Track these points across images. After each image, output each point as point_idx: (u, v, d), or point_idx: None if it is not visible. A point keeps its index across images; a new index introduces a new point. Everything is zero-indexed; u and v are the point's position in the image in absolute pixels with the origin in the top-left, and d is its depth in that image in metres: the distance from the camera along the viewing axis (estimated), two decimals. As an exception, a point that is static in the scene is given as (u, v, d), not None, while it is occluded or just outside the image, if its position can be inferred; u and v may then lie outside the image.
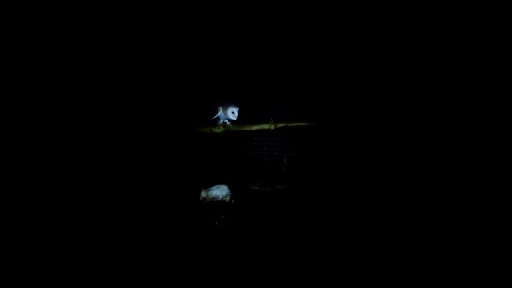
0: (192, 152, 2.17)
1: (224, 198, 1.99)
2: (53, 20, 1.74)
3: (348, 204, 1.88)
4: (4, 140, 1.63)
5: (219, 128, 2.05)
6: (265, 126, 2.05)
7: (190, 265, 1.54)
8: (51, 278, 1.43)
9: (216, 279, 1.45)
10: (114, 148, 1.94)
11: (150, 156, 2.04)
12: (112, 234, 1.68)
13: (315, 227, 1.76)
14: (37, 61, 1.73)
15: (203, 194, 2.00)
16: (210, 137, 2.11)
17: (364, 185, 1.93)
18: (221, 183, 2.05)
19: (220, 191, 2.01)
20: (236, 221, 1.85)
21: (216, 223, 1.82)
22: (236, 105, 1.99)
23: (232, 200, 1.99)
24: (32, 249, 1.54)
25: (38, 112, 1.73)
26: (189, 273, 1.50)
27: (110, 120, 1.93)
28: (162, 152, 2.08)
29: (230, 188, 2.03)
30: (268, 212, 1.91)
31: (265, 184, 2.10)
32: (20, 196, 1.63)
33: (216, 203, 1.97)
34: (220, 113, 1.99)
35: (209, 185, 2.03)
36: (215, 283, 1.44)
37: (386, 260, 1.52)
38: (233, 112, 1.96)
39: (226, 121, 2.05)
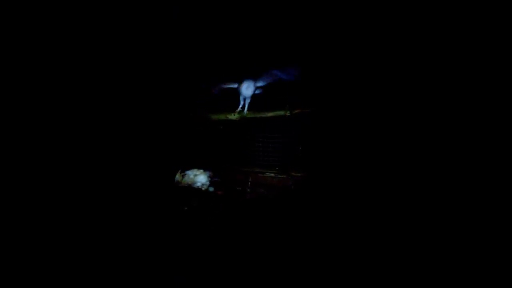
0: (202, 140, 2.17)
1: (201, 187, 1.96)
2: (55, 19, 1.74)
3: (365, 195, 1.82)
4: (3, 139, 1.65)
5: (234, 114, 2.04)
6: (281, 113, 2.02)
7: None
8: (48, 279, 1.44)
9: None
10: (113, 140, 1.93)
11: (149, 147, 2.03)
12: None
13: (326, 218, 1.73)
14: (36, 59, 1.75)
15: (177, 177, 1.98)
16: (225, 125, 2.11)
17: (382, 172, 1.85)
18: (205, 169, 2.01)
19: (198, 178, 1.99)
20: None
21: (186, 208, 1.79)
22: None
23: (210, 189, 1.95)
24: (27, 249, 1.53)
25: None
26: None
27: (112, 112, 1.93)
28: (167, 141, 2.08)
29: (211, 176, 1.99)
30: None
31: (280, 171, 2.08)
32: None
33: (192, 189, 1.94)
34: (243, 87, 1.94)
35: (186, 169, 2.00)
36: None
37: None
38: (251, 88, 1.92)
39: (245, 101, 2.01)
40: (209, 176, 2.06)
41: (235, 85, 1.97)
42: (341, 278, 1.45)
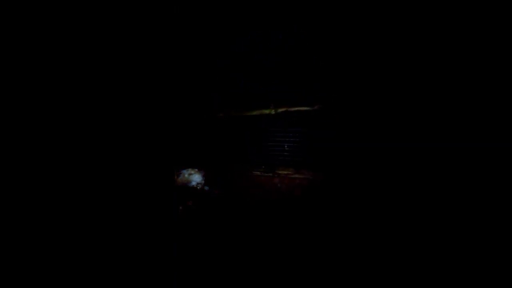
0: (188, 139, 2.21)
1: (196, 186, 1.98)
2: (55, 19, 1.81)
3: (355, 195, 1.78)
4: (3, 139, 1.64)
5: (223, 114, 2.09)
6: (266, 111, 2.03)
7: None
8: (47, 279, 1.46)
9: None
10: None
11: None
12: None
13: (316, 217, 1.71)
14: (39, 61, 1.80)
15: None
16: (211, 123, 2.16)
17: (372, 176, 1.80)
18: (199, 168, 2.03)
19: (193, 177, 2.00)
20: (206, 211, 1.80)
21: (181, 207, 1.81)
22: None
23: (206, 188, 1.97)
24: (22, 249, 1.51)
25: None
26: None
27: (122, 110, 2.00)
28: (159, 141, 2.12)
29: (206, 175, 2.00)
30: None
31: (267, 169, 2.10)
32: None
33: (187, 189, 1.95)
34: None
35: (182, 169, 2.02)
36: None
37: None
38: None
39: None
40: (203, 175, 2.10)
41: None
42: (335, 276, 1.43)
